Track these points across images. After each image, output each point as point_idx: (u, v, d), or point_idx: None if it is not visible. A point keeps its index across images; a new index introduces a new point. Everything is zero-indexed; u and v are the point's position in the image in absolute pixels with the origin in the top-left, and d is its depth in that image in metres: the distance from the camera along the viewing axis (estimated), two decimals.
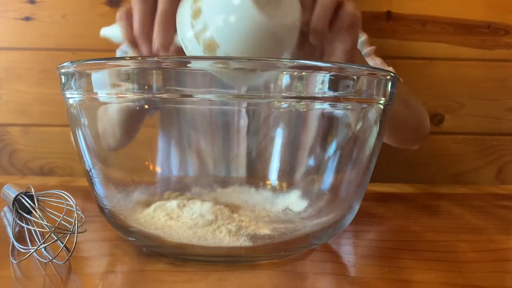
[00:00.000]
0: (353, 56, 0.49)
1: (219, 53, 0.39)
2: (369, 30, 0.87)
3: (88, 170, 0.40)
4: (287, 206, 0.43)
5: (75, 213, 0.38)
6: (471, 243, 0.46)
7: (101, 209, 0.41)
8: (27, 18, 0.96)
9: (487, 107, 1.00)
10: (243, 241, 0.36)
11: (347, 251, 0.42)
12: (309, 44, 0.48)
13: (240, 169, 0.49)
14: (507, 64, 0.99)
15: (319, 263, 0.38)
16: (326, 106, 0.37)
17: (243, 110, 0.47)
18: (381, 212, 0.59)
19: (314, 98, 0.35)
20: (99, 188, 0.40)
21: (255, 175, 0.46)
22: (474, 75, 0.99)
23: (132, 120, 0.40)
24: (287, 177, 0.44)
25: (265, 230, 0.38)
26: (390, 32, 0.98)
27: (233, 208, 0.43)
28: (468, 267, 0.39)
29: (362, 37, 0.81)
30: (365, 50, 0.80)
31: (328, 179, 0.41)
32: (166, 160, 0.47)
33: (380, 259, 0.40)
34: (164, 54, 0.43)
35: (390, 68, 0.79)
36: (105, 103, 0.38)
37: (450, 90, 0.99)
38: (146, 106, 0.40)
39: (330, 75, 0.34)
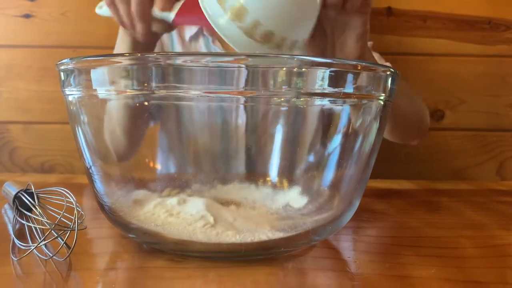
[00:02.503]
0: (365, 46, 0.49)
1: (248, 19, 0.39)
2: (370, 26, 0.87)
3: (88, 167, 0.40)
4: (287, 202, 0.43)
5: (75, 210, 0.38)
6: (471, 239, 0.46)
7: (101, 206, 0.41)
8: (27, 16, 0.96)
9: (487, 103, 1.00)
10: (243, 238, 0.36)
11: (347, 247, 0.42)
12: (320, 34, 0.48)
13: (240, 166, 0.49)
14: (508, 60, 0.99)
15: (319, 259, 0.38)
16: (326, 102, 0.37)
17: (241, 107, 0.47)
18: (381, 208, 0.59)
19: (314, 94, 0.35)
20: (99, 185, 0.40)
21: (255, 172, 0.46)
22: (474, 71, 0.99)
23: (135, 128, 0.40)
24: (287, 173, 0.44)
25: (265, 227, 0.38)
26: (391, 28, 0.98)
27: (233, 205, 0.43)
28: (469, 263, 0.39)
29: None
30: None
31: (328, 175, 0.41)
32: (165, 157, 0.47)
33: (380, 255, 0.40)
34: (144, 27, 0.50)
35: (387, 64, 0.78)
36: (104, 100, 0.37)
37: (451, 86, 0.99)
38: (146, 103, 0.40)
39: (330, 71, 0.34)
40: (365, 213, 0.54)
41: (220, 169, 0.49)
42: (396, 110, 0.63)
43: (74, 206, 0.39)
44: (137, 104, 0.38)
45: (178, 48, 0.80)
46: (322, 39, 0.51)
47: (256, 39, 0.40)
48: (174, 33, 0.80)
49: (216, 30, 0.41)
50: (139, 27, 0.51)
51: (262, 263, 0.36)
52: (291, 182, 0.43)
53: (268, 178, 0.45)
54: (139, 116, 0.40)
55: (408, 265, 0.37)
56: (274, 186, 0.44)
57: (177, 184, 0.44)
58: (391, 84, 0.38)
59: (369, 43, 0.80)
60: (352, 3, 0.47)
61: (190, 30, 0.79)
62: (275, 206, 0.43)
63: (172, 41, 0.80)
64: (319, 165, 0.41)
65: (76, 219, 0.37)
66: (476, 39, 0.98)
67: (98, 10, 0.57)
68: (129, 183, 0.43)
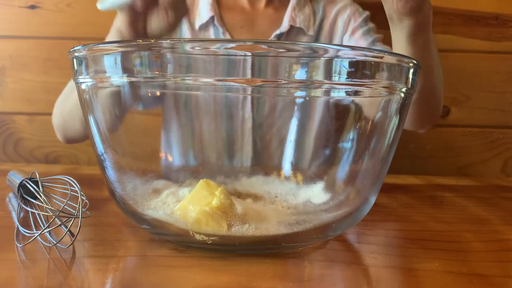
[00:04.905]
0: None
1: None
2: (377, 21, 0.86)
3: (100, 154, 0.40)
4: (309, 198, 0.42)
5: (79, 198, 0.38)
6: (475, 233, 0.46)
7: (112, 193, 0.40)
8: (33, 7, 0.96)
9: (493, 99, 0.99)
10: (255, 231, 0.35)
11: (352, 240, 0.42)
12: None
13: (265, 160, 0.49)
14: None
15: (324, 251, 0.38)
16: (342, 94, 0.35)
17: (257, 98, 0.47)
18: (386, 202, 0.58)
19: (332, 85, 0.34)
20: (111, 172, 0.40)
21: (277, 166, 0.46)
22: (481, 68, 0.98)
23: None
24: (310, 169, 0.44)
25: (271, 222, 0.37)
26: None
27: (251, 198, 0.43)
28: (472, 257, 0.39)
29: (371, 25, 0.81)
30: (374, 36, 0.79)
31: (348, 170, 0.40)
32: (186, 149, 0.47)
33: (384, 248, 0.40)
34: None
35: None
36: (118, 87, 0.37)
37: (457, 82, 0.98)
38: (158, 94, 0.40)
39: (349, 61, 0.33)
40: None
41: (245, 163, 0.49)
42: (428, 75, 0.62)
43: (79, 195, 0.39)
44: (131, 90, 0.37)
45: (187, 36, 0.79)
46: None
47: None
48: (184, 19, 0.80)
49: None
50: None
51: (276, 255, 0.36)
52: (314, 177, 0.43)
53: (291, 173, 0.44)
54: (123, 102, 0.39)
55: (412, 257, 0.37)
56: (297, 181, 0.44)
57: (201, 176, 0.43)
58: (412, 76, 0.37)
59: (379, 35, 0.80)
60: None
61: (200, 19, 0.78)
62: (295, 201, 0.42)
63: (180, 28, 0.80)
64: (341, 160, 0.40)
65: (80, 207, 0.37)
66: (483, 35, 0.98)
67: (100, 5, 0.57)
68: (149, 172, 0.42)
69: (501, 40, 0.98)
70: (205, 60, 0.33)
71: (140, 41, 0.33)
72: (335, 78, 0.33)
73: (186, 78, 0.34)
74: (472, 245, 0.42)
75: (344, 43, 0.78)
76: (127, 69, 0.34)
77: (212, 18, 0.77)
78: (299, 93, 0.37)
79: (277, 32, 0.76)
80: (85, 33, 0.96)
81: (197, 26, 0.78)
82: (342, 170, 0.40)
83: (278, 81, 0.33)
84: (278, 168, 0.45)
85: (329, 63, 0.33)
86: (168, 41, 0.32)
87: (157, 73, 0.33)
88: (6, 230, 0.41)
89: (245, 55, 0.32)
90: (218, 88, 0.35)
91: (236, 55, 0.32)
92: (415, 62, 0.36)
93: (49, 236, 0.37)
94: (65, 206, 0.38)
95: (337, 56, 0.33)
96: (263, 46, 0.32)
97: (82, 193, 0.40)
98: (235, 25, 0.79)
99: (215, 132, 0.49)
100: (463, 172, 1.00)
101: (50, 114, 0.98)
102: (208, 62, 0.33)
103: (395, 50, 0.59)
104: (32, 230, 0.38)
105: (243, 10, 0.81)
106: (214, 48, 0.32)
